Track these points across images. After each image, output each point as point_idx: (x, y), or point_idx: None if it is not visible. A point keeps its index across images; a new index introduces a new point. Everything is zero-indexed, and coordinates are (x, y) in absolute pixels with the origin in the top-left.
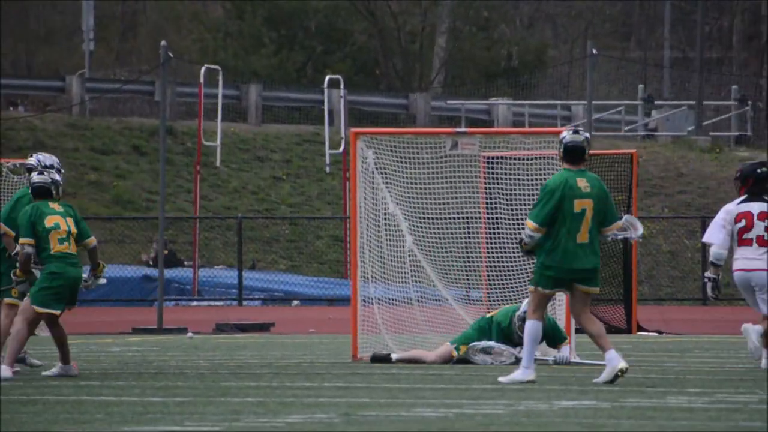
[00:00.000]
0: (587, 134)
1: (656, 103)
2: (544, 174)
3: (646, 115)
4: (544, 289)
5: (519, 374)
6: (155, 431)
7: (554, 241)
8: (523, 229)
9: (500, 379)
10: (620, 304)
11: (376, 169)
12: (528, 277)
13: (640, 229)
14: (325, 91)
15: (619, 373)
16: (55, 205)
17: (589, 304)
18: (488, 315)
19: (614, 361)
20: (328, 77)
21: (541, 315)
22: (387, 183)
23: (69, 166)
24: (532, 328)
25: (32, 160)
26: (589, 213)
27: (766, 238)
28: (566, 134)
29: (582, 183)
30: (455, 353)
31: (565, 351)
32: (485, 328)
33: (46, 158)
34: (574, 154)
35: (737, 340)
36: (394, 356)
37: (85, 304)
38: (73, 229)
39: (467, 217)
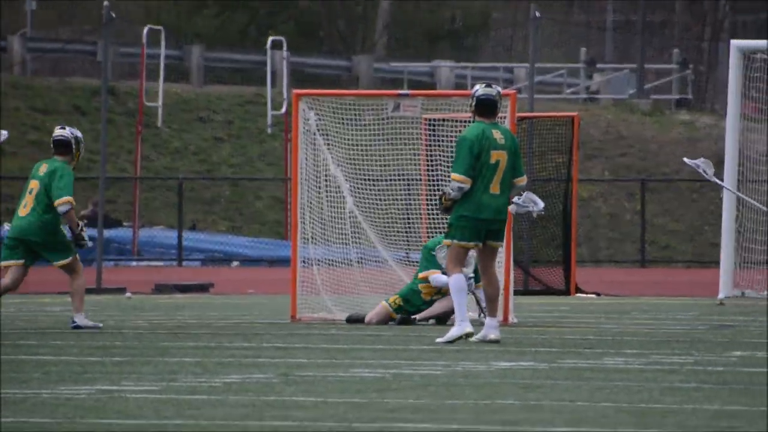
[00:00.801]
0: (499, 88)
1: (598, 66)
2: None
3: (588, 78)
4: (460, 242)
5: (455, 330)
6: (93, 390)
7: (469, 192)
8: (452, 184)
9: (438, 340)
10: (559, 266)
11: (318, 130)
12: None
13: (541, 204)
14: (268, 52)
15: (489, 341)
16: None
17: (495, 261)
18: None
19: (490, 330)
20: (270, 38)
21: (461, 268)
22: (328, 144)
23: (10, 126)
24: (456, 282)
25: (66, 132)
26: (503, 164)
27: None
28: (479, 87)
29: (497, 135)
30: (389, 308)
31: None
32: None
33: (76, 131)
34: (487, 107)
35: (674, 302)
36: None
37: None
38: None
39: (408, 180)
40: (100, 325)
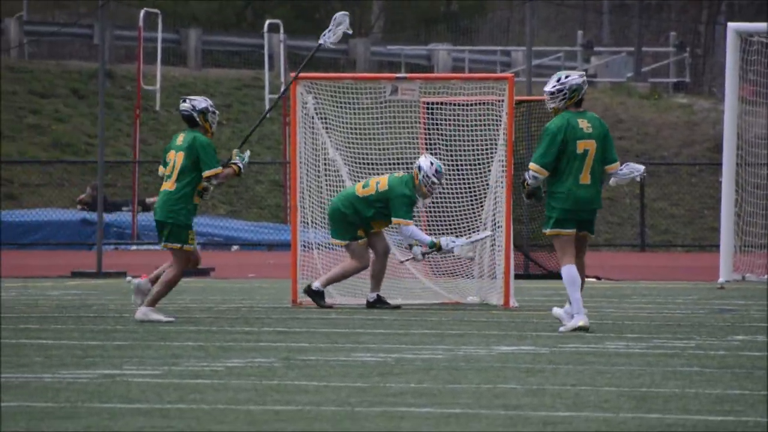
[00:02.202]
0: (585, 76)
1: (595, 49)
2: (484, 119)
3: (586, 61)
4: (560, 230)
5: (574, 321)
6: (94, 374)
7: (559, 183)
8: (528, 173)
9: (561, 329)
10: None
11: (316, 114)
12: (467, 222)
13: (641, 167)
14: (265, 35)
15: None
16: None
17: (584, 250)
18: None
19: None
20: (267, 21)
21: (571, 258)
22: (327, 128)
23: (7, 109)
24: (568, 273)
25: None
26: (592, 153)
27: None
28: (571, 76)
29: (584, 124)
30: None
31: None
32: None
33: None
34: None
35: (675, 286)
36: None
37: (23, 248)
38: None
39: (407, 163)
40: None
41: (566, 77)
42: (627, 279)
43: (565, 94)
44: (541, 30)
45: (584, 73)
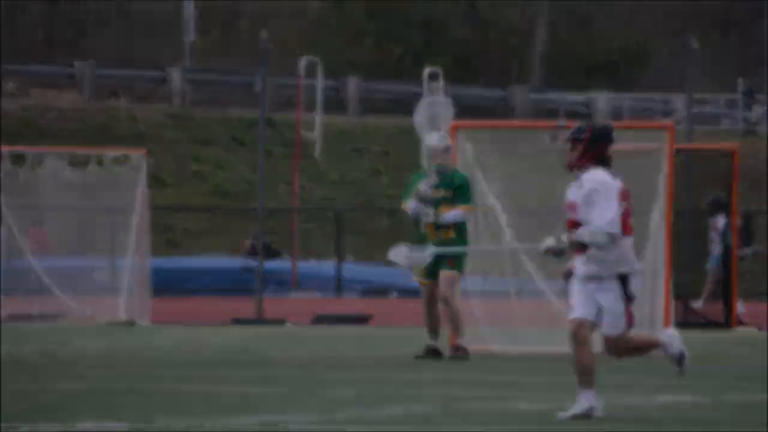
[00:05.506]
0: None
1: (757, 97)
2: (644, 167)
3: (747, 109)
4: None
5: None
6: (255, 422)
7: None
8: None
9: None
10: (719, 299)
11: (476, 161)
12: None
13: None
14: (424, 83)
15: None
16: None
17: None
18: None
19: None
20: (427, 69)
21: None
22: (485, 175)
23: (170, 156)
24: None
25: None
26: None
27: None
28: None
29: None
30: (424, 279)
31: None
32: None
33: None
34: None
35: None
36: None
37: (185, 295)
38: None
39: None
40: None
41: None
42: None
43: None
44: (702, 77)
45: None
